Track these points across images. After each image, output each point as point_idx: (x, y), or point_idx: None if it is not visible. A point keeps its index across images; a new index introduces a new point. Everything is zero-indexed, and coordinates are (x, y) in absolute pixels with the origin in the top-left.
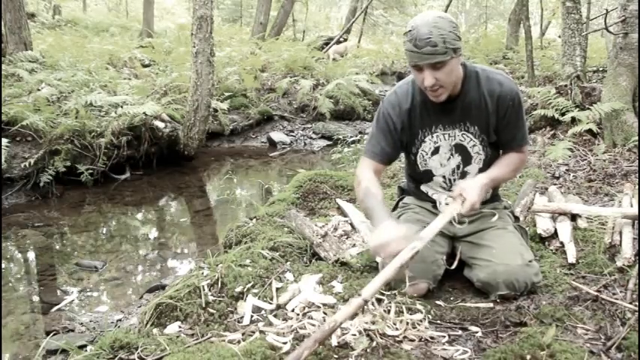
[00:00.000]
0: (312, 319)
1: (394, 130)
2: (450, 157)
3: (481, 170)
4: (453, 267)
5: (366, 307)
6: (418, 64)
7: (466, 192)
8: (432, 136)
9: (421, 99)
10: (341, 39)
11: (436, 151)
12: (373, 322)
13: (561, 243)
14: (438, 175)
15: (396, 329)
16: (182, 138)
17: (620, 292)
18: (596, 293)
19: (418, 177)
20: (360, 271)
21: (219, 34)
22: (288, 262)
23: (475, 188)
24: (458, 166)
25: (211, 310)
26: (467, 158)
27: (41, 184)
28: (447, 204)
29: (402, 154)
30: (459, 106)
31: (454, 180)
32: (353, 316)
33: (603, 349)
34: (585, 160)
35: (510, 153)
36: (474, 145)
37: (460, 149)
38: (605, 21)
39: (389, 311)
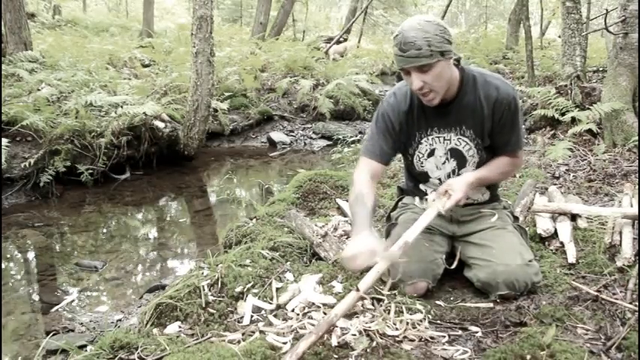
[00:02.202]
0: (312, 319)
1: (392, 130)
2: (445, 162)
3: None
4: (453, 267)
5: (366, 307)
6: (404, 67)
7: (452, 188)
8: (428, 139)
9: (419, 101)
10: (341, 39)
11: (432, 153)
12: (373, 322)
13: (561, 243)
14: (433, 178)
15: (396, 329)
16: (182, 138)
17: (620, 292)
18: (596, 293)
19: (416, 177)
20: (360, 271)
21: (219, 34)
22: (288, 262)
23: (461, 185)
24: (453, 171)
25: (211, 310)
26: (462, 162)
27: (41, 184)
28: (433, 200)
29: (401, 154)
30: (455, 109)
31: None
32: (350, 312)
33: (603, 349)
34: (585, 160)
35: (503, 156)
36: (469, 149)
37: (456, 154)
38: (605, 21)
39: (389, 311)
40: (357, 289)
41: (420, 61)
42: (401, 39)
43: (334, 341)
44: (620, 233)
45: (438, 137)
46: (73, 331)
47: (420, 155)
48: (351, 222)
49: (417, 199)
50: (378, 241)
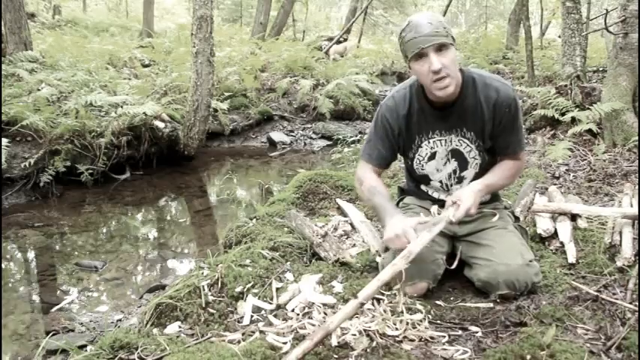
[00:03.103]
0: (312, 319)
1: (392, 134)
2: (446, 162)
3: (477, 175)
4: (453, 267)
5: (366, 307)
6: (423, 47)
7: (460, 198)
8: (429, 142)
9: (418, 105)
10: (341, 39)
11: (432, 156)
12: (373, 322)
13: (561, 243)
14: (434, 180)
15: (396, 329)
16: (182, 138)
17: (620, 292)
18: (596, 293)
19: (417, 179)
20: (360, 271)
21: (219, 34)
22: (288, 262)
23: (469, 194)
24: (454, 171)
25: (211, 310)
26: (463, 163)
27: (41, 184)
28: (438, 213)
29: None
30: (456, 111)
31: (451, 185)
32: (351, 317)
33: (603, 349)
34: (585, 160)
35: (506, 160)
36: (470, 151)
37: (456, 154)
38: (605, 21)
39: (389, 311)
40: (362, 304)
41: (438, 39)
42: (414, 25)
43: (334, 341)
44: (620, 233)
45: (440, 140)
46: (73, 331)
47: (420, 158)
48: (351, 222)
49: (422, 214)
50: (416, 218)
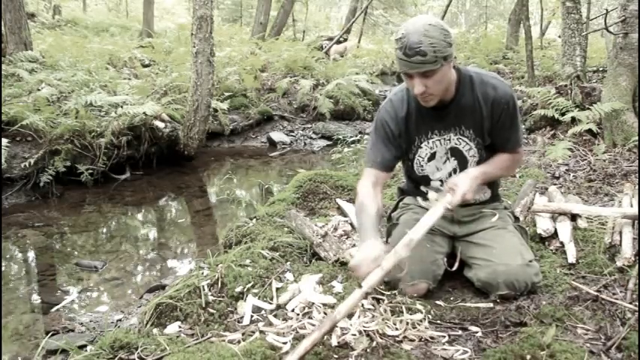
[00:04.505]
0: (312, 319)
1: (392, 137)
2: (445, 161)
3: None
4: (454, 268)
5: (365, 307)
6: (408, 72)
7: (456, 184)
8: (428, 142)
9: (416, 105)
10: (341, 39)
11: (432, 156)
12: (373, 322)
13: (561, 243)
14: (435, 180)
15: (396, 329)
16: (182, 138)
17: (620, 292)
18: (596, 293)
19: (416, 180)
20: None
21: (219, 34)
22: (288, 262)
23: (465, 179)
24: (454, 170)
25: (211, 310)
26: (463, 162)
27: (41, 184)
28: (435, 199)
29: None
30: (453, 110)
31: None
32: (359, 315)
33: (603, 349)
34: (585, 160)
35: (505, 153)
36: (469, 149)
37: (456, 153)
38: (605, 21)
39: (389, 311)
40: (367, 293)
41: (424, 67)
42: (405, 43)
43: (334, 341)
44: (620, 233)
45: (439, 140)
46: (73, 331)
47: (420, 159)
48: (351, 222)
49: (419, 199)
50: (382, 246)
